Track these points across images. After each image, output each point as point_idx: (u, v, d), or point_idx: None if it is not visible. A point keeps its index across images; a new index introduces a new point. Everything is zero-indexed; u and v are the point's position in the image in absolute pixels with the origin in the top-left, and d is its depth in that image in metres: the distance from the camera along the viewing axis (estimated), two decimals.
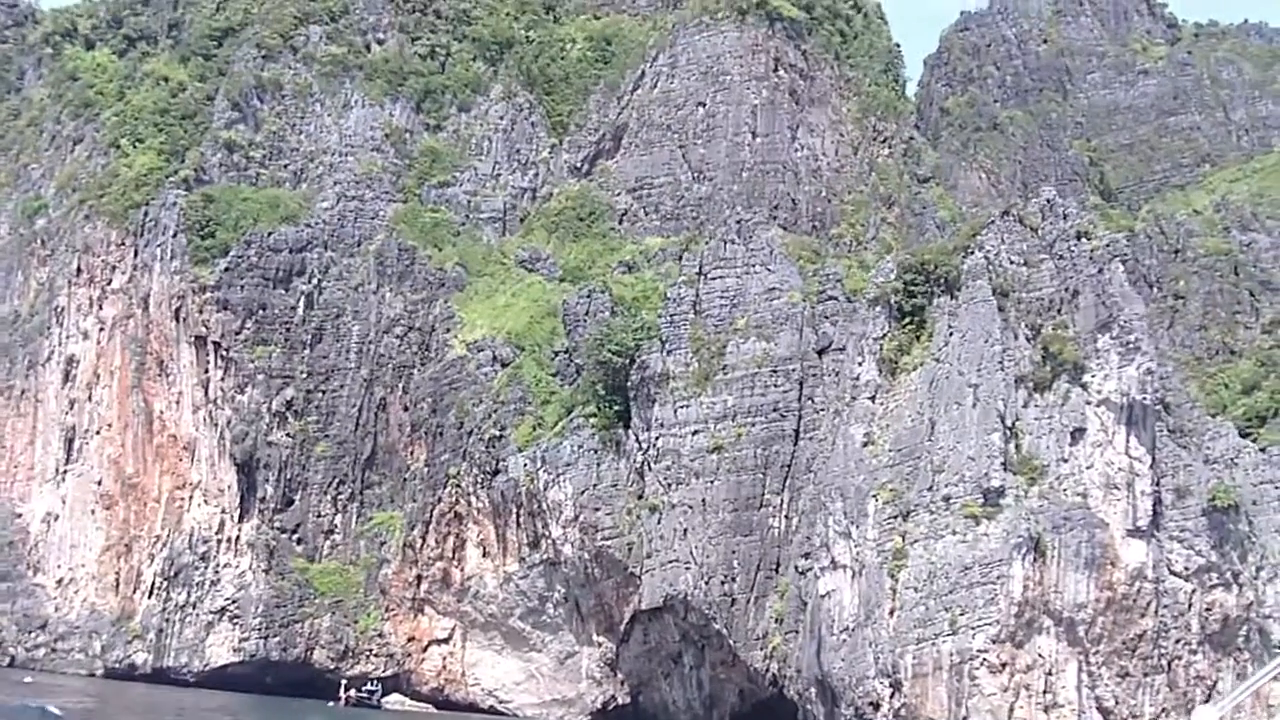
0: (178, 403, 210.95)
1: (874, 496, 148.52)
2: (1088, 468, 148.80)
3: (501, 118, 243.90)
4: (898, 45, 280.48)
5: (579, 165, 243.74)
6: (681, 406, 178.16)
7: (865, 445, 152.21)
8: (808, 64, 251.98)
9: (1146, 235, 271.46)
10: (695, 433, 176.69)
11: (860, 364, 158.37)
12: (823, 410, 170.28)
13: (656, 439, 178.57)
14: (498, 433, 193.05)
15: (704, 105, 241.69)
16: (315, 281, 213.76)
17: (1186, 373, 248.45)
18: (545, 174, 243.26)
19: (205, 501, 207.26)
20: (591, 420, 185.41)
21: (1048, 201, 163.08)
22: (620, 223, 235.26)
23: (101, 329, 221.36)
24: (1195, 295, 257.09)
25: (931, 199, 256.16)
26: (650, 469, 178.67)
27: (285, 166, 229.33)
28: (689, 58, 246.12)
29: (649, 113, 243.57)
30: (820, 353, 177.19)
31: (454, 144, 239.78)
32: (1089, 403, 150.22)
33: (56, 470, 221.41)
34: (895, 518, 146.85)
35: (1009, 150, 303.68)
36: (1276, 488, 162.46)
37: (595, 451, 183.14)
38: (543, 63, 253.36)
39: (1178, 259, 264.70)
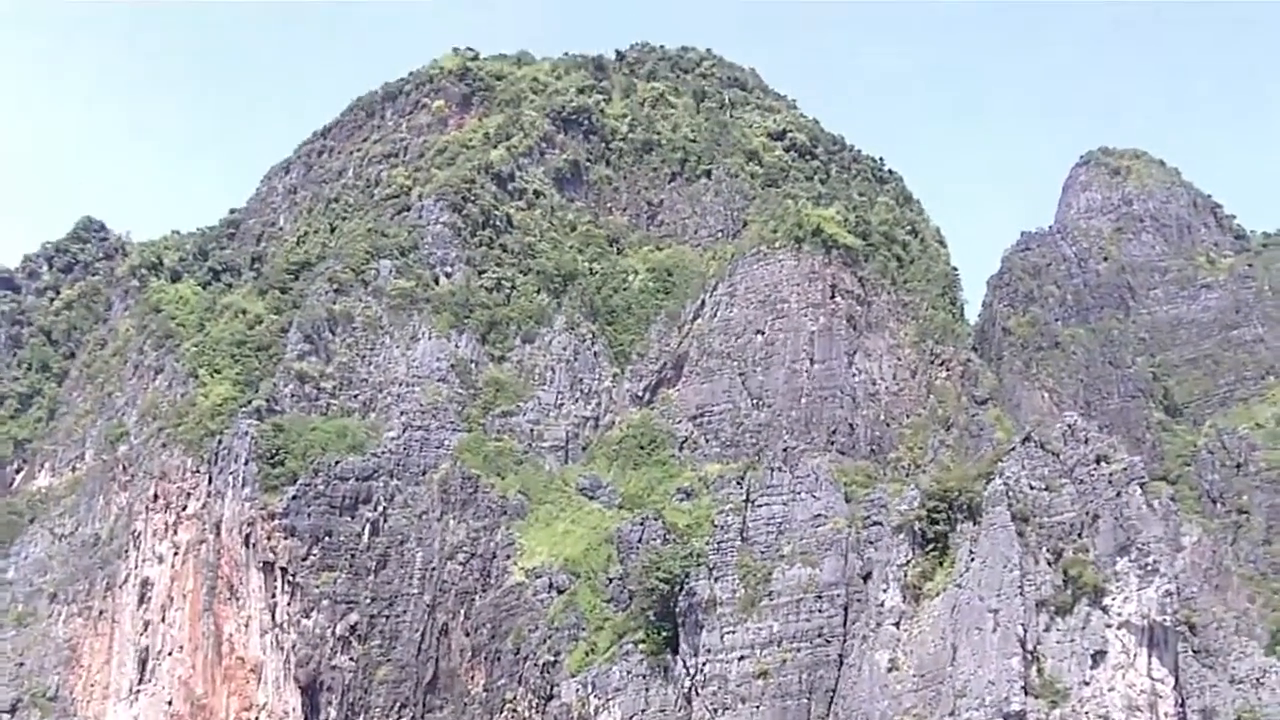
0: (246, 626, 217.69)
1: None
2: (1110, 690, 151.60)
3: (565, 348, 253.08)
4: (955, 269, 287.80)
5: (640, 394, 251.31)
6: (728, 632, 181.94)
7: (890, 670, 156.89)
8: (865, 289, 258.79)
9: (1209, 450, 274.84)
10: (741, 658, 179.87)
11: (885, 590, 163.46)
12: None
13: (703, 664, 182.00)
14: (552, 658, 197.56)
15: (763, 333, 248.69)
16: (380, 509, 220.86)
17: (1250, 589, 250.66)
18: (607, 402, 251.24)
19: None
20: (640, 646, 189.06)
21: (1069, 426, 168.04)
22: (681, 450, 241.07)
23: (176, 553, 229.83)
24: (1259, 510, 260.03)
25: (989, 420, 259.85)
26: (698, 694, 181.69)
27: (355, 396, 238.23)
28: (748, 286, 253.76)
29: (709, 341, 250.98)
30: (865, 578, 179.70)
31: (518, 374, 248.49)
32: (1110, 625, 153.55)
33: (130, 689, 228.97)
34: None
35: (1071, 368, 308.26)
36: None
37: (644, 677, 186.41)
38: (605, 293, 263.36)
39: (1240, 473, 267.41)
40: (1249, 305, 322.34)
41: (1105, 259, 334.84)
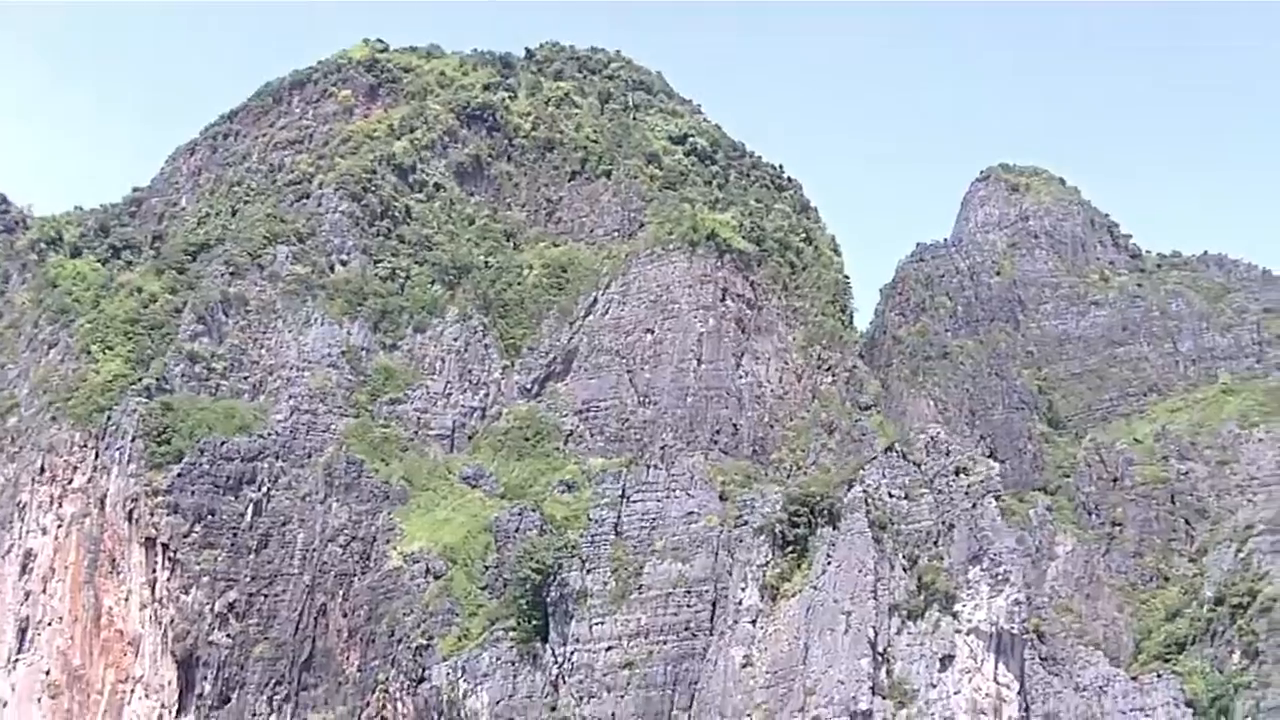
0: (126, 600, 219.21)
1: (748, 716, 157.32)
2: (956, 693, 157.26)
3: (456, 339, 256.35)
4: (847, 277, 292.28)
5: (529, 386, 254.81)
6: (597, 623, 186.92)
7: (744, 666, 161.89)
8: (755, 294, 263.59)
9: (1087, 463, 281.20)
10: (609, 649, 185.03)
11: (744, 589, 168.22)
12: None
13: (572, 654, 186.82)
14: (425, 642, 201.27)
15: (652, 332, 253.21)
16: (265, 490, 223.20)
17: (1120, 599, 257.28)
18: (495, 394, 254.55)
19: (146, 695, 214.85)
20: (511, 633, 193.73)
21: (931, 438, 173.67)
22: (566, 443, 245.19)
23: (60, 525, 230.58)
24: (1132, 523, 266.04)
25: (871, 426, 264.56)
26: (564, 682, 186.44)
27: (245, 378, 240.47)
28: (640, 286, 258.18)
29: (599, 338, 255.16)
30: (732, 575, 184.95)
31: (408, 363, 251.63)
32: (959, 631, 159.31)
33: (9, 658, 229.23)
34: None
35: (958, 378, 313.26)
36: (1145, 715, 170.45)
37: (513, 664, 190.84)
38: (499, 287, 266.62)
39: (1116, 487, 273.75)
40: (1136, 323, 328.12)
41: (998, 273, 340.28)
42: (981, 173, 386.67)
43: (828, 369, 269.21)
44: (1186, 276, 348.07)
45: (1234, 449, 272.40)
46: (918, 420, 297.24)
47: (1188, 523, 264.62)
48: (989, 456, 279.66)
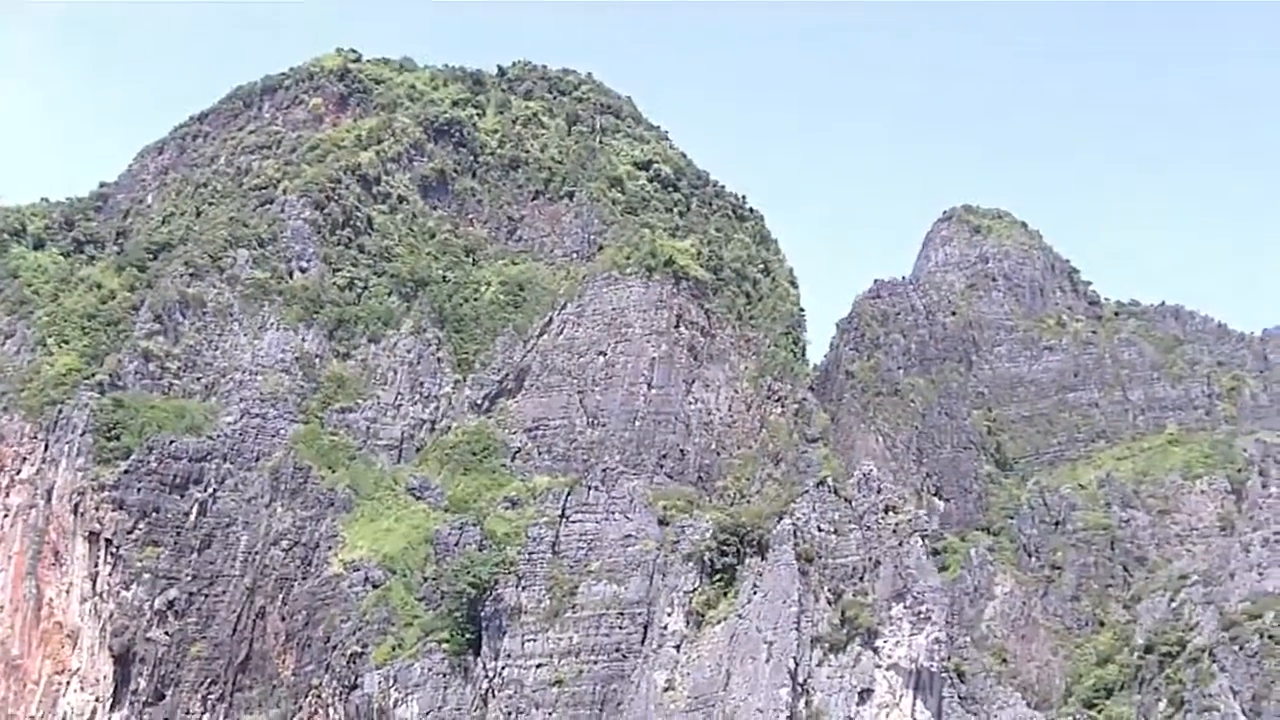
0: (67, 592, 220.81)
1: None
2: None
3: (409, 351, 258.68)
4: (802, 310, 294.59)
5: (480, 402, 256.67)
6: (529, 640, 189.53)
7: (666, 690, 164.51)
8: (709, 322, 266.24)
9: (1030, 506, 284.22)
10: (540, 666, 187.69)
11: (669, 614, 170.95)
12: None
13: (502, 669, 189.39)
14: (360, 649, 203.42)
15: (605, 354, 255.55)
16: (210, 490, 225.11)
17: (1054, 641, 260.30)
18: (446, 408, 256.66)
19: (82, 688, 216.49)
20: (444, 645, 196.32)
21: (864, 475, 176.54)
22: (513, 460, 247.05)
23: (5, 515, 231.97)
24: (1071, 567, 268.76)
25: (817, 459, 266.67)
26: (494, 696, 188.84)
27: (198, 379, 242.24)
28: (595, 308, 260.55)
29: (552, 357, 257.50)
30: None
31: (361, 372, 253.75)
32: (879, 666, 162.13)
33: None
34: None
35: (907, 416, 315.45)
36: None
37: (444, 675, 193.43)
38: (456, 302, 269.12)
39: (1058, 531, 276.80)
40: (1088, 370, 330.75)
41: (953, 313, 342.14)
42: (944, 213, 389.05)
43: (778, 400, 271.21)
44: (1142, 326, 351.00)
45: (1175, 499, 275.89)
46: (865, 455, 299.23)
47: (1126, 570, 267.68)
48: (935, 495, 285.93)
